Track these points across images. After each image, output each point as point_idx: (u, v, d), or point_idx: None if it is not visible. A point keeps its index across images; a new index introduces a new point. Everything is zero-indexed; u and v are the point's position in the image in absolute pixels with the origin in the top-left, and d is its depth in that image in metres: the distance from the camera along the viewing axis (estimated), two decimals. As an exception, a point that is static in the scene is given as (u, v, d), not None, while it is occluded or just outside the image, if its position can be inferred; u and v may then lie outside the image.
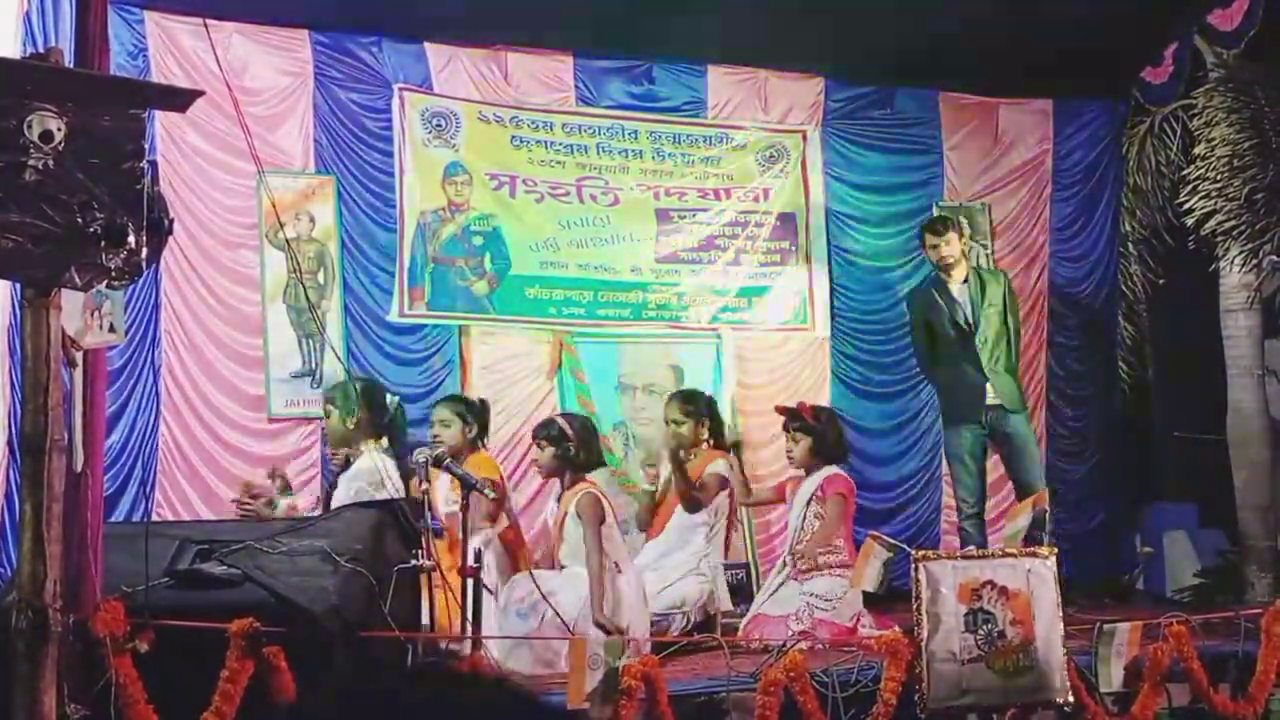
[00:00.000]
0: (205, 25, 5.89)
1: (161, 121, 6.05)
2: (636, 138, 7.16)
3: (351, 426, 5.50)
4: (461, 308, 6.80)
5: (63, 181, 2.86)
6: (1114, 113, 7.86)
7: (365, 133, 6.68)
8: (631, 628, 5.08)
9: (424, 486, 4.77)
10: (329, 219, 6.58)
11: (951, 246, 6.45)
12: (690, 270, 7.17)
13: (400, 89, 6.70)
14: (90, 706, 3.45)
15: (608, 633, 4.97)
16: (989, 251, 7.66)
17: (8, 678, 3.05)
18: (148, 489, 6.04)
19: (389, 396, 5.78)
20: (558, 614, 4.98)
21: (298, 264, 6.40)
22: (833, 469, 5.88)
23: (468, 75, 6.85)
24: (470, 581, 4.37)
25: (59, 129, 2.86)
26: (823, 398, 7.10)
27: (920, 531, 7.27)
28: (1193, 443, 7.75)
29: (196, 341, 6.33)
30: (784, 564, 5.85)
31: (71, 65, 3.47)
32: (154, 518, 5.84)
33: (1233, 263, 6.93)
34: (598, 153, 7.09)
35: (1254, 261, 6.82)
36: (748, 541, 6.90)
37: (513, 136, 6.94)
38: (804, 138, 7.41)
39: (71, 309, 3.26)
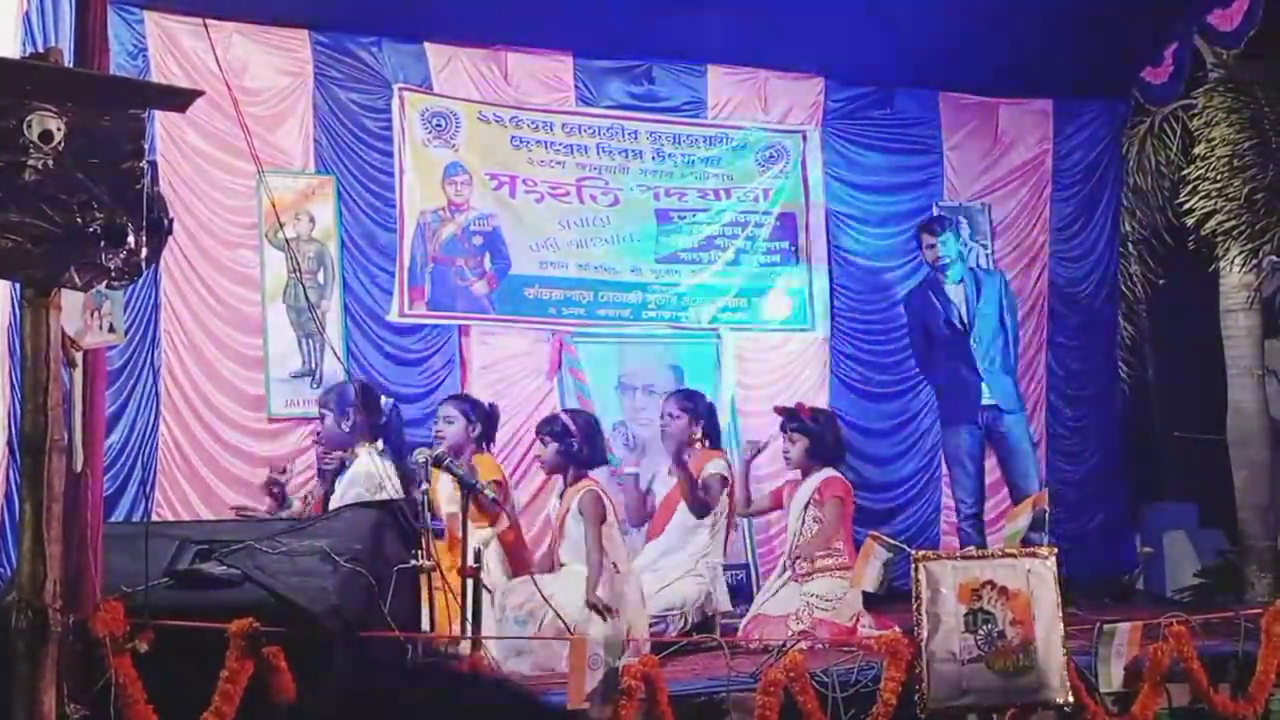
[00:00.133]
0: (205, 25, 5.88)
1: (161, 121, 6.03)
2: (636, 138, 7.15)
3: (346, 429, 5.47)
4: (461, 308, 6.79)
5: (62, 181, 2.86)
6: (1114, 113, 7.85)
7: (365, 133, 6.68)
8: (629, 624, 5.09)
9: (424, 486, 4.76)
10: (329, 219, 6.57)
11: (947, 247, 6.45)
12: (690, 270, 7.15)
13: (400, 89, 6.69)
14: (90, 706, 3.45)
15: (602, 615, 4.98)
16: (989, 251, 7.66)
17: (8, 678, 3.06)
18: (147, 489, 6.02)
19: (383, 398, 5.77)
20: (558, 615, 4.98)
21: (298, 264, 6.40)
22: (829, 471, 5.85)
23: (468, 75, 6.85)
24: (470, 582, 4.37)
25: (59, 129, 2.86)
26: (822, 398, 7.09)
27: (920, 532, 7.26)
28: (1193, 443, 7.76)
29: (196, 341, 6.32)
30: (784, 568, 5.85)
31: (71, 65, 3.46)
32: (154, 518, 5.82)
33: (1233, 263, 6.94)
34: (598, 153, 7.08)
35: (1254, 261, 6.84)
36: (747, 542, 6.90)
37: (513, 137, 6.93)
38: (804, 138, 7.40)
39: (71, 309, 3.25)
